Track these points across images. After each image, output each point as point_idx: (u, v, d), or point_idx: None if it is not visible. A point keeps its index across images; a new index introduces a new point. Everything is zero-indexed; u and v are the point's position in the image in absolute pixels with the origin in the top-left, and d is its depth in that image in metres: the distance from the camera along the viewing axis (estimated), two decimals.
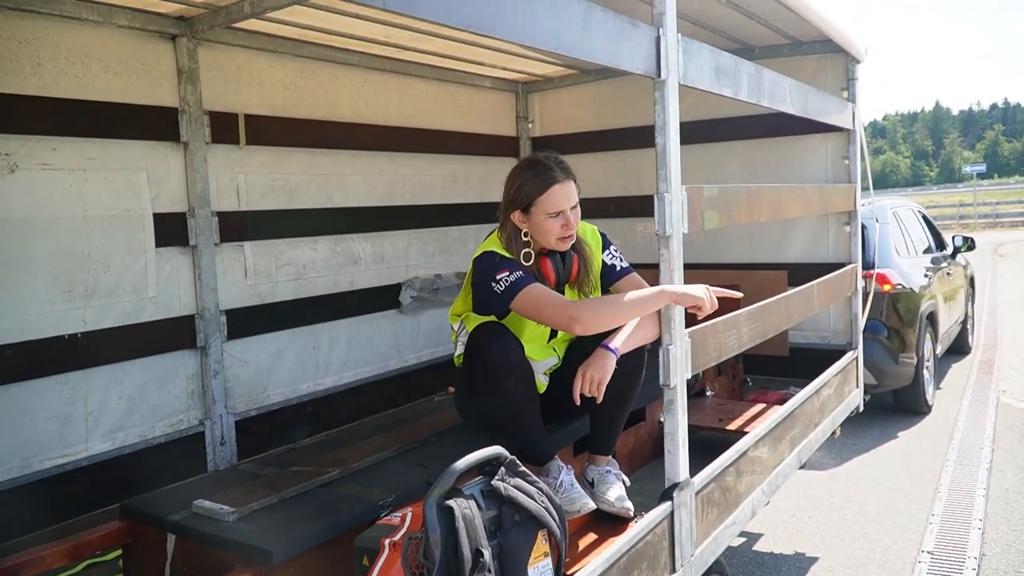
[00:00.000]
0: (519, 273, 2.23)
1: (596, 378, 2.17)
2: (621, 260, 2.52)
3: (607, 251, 2.51)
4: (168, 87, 2.91)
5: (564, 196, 2.27)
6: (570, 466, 2.30)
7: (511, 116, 4.68)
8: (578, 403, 2.19)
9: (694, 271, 4.17)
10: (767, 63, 2.86)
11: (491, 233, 2.45)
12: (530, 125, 4.74)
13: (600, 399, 2.18)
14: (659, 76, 2.05)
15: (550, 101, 4.75)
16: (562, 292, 2.39)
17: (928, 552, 3.76)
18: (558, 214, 2.28)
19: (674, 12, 2.06)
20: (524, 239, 2.34)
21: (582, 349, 2.40)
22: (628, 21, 1.93)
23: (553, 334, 2.47)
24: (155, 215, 2.90)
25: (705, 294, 2.17)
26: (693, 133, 4.12)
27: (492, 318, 2.36)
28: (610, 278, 2.49)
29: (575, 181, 2.34)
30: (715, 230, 4.39)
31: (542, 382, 2.49)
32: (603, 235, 2.55)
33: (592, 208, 4.22)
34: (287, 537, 1.82)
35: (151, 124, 2.86)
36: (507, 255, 2.32)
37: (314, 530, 1.86)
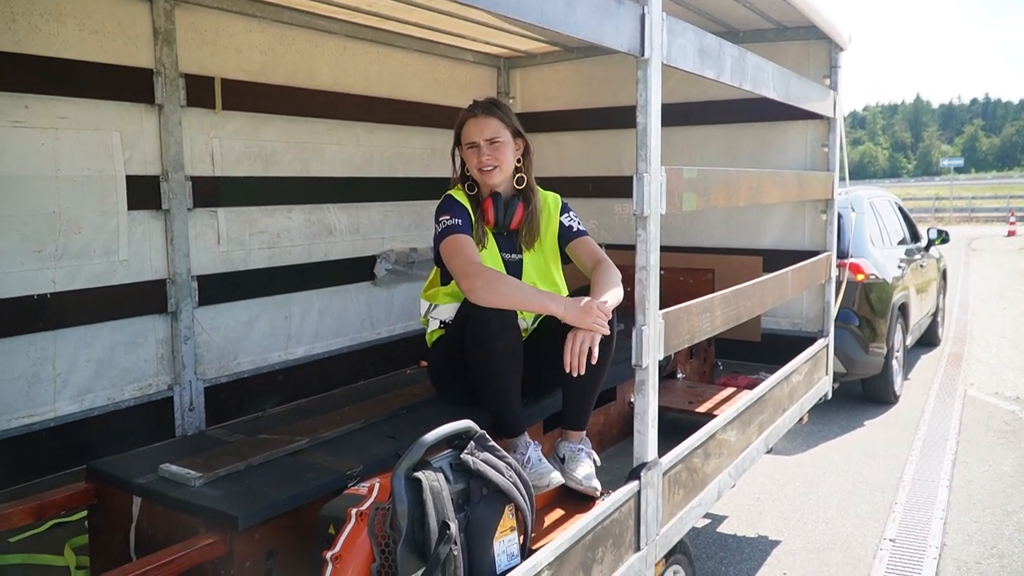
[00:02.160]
0: (457, 221, 2.38)
1: (586, 345, 2.18)
2: (579, 224, 2.61)
3: (565, 215, 2.61)
4: (144, 48, 2.86)
5: (477, 128, 2.43)
6: (538, 442, 2.31)
7: (492, 91, 4.64)
8: (571, 371, 2.18)
9: (671, 253, 4.23)
10: (751, 47, 2.86)
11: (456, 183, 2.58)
12: (511, 101, 4.71)
13: (593, 361, 2.18)
14: (642, 55, 2.03)
15: (532, 77, 4.72)
16: (502, 235, 2.52)
17: (890, 540, 3.83)
18: (473, 145, 2.43)
19: None
20: (466, 173, 2.51)
21: (553, 321, 2.41)
22: None
23: None
24: (128, 177, 2.86)
25: (592, 321, 2.19)
26: (675, 115, 4.12)
27: None
28: (566, 238, 2.59)
29: (502, 121, 2.46)
30: (692, 214, 4.41)
31: None
32: (564, 203, 2.65)
33: (571, 187, 4.24)
34: (253, 504, 1.81)
35: (125, 85, 2.81)
36: (461, 201, 2.46)
37: (280, 498, 1.85)
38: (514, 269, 2.52)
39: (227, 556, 1.76)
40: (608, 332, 2.23)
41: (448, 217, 2.39)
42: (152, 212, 2.95)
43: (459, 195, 2.50)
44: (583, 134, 4.62)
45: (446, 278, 2.50)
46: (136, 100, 2.85)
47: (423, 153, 4.17)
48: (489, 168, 2.43)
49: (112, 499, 2.03)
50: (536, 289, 2.36)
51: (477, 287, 2.21)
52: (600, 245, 2.62)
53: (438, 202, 2.49)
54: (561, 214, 2.60)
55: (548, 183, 4.74)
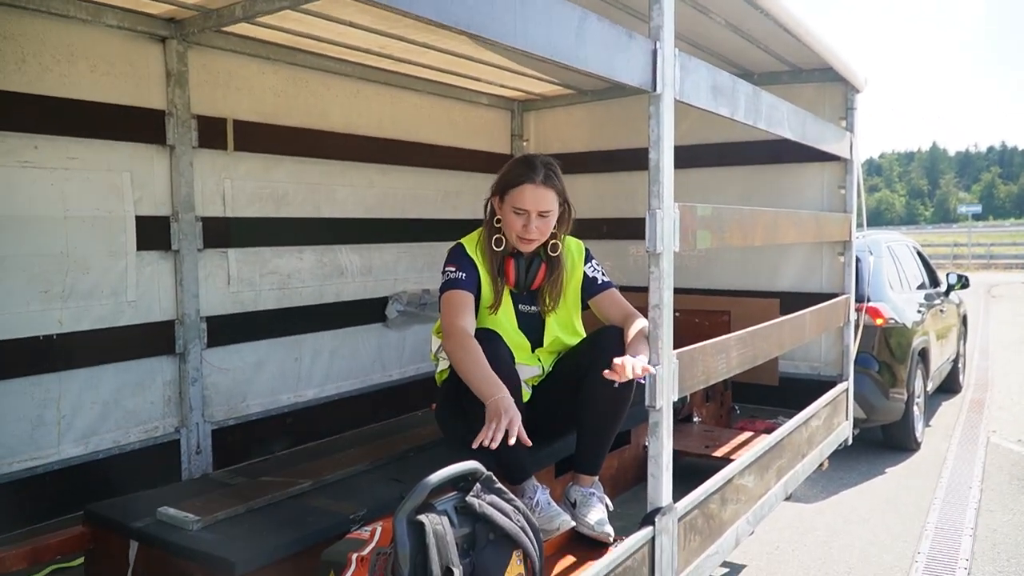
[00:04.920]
0: (461, 275, 2.29)
1: (639, 364, 2.00)
2: (603, 274, 2.50)
3: (589, 264, 2.50)
4: (156, 89, 2.88)
5: (534, 198, 2.27)
6: (546, 486, 2.24)
7: (506, 134, 4.66)
8: (618, 375, 1.98)
9: (686, 295, 4.18)
10: (766, 89, 2.84)
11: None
12: (525, 143, 4.72)
13: (631, 375, 1.98)
14: (654, 90, 2.01)
15: (546, 120, 4.73)
16: (522, 295, 2.42)
17: None
18: (523, 212, 2.29)
19: (672, 25, 2.02)
20: (496, 225, 2.37)
21: (570, 364, 2.39)
22: (624, 32, 1.90)
23: (536, 343, 2.43)
24: (138, 218, 2.85)
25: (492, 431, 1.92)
26: (690, 157, 4.13)
27: (486, 326, 2.32)
28: (590, 291, 2.47)
29: (558, 193, 2.33)
30: (708, 255, 4.37)
31: (525, 390, 2.42)
32: (587, 250, 2.54)
33: (584, 229, 4.16)
34: (251, 548, 1.75)
35: (137, 126, 2.82)
36: (470, 254, 2.36)
37: (280, 542, 1.79)
38: (534, 322, 2.43)
39: None
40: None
41: (454, 269, 2.30)
42: (161, 253, 2.94)
43: (471, 246, 2.39)
44: (597, 176, 4.60)
45: None
46: (147, 141, 2.85)
47: (437, 195, 4.17)
48: (530, 239, 2.31)
49: (109, 543, 1.98)
50: (488, 376, 2.07)
51: (447, 347, 2.19)
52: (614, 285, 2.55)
53: (450, 246, 2.42)
54: (585, 263, 2.48)
55: None
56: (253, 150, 3.22)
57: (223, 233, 3.13)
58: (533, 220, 2.29)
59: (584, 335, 2.52)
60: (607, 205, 4.56)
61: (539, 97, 4.64)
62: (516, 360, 2.34)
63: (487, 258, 2.37)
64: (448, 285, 2.29)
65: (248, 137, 3.18)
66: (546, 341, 2.44)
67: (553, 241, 2.41)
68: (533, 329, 2.43)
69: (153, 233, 2.90)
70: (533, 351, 2.44)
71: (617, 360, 2.01)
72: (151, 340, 2.92)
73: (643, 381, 2.04)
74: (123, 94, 2.78)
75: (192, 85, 2.96)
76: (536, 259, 2.40)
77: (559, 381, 2.40)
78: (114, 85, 2.75)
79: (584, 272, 2.48)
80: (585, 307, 2.52)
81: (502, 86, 4.31)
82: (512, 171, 2.33)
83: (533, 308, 2.45)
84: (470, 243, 2.41)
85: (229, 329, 3.16)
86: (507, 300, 2.41)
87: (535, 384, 2.49)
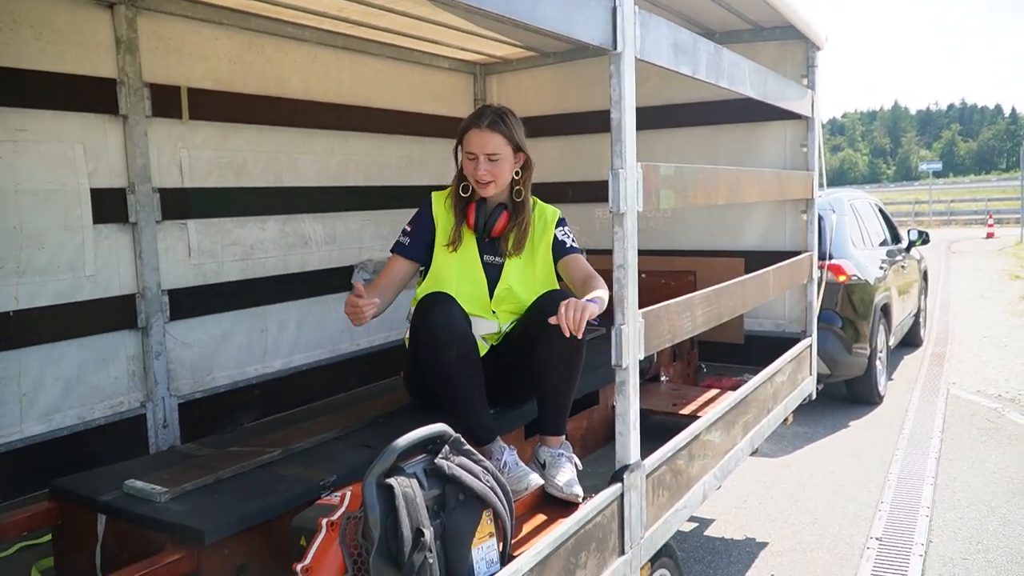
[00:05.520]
0: (405, 240, 2.49)
1: (580, 310, 2.01)
2: (572, 240, 2.54)
3: (560, 228, 2.55)
4: (105, 57, 2.79)
5: (480, 141, 2.39)
6: (513, 447, 2.26)
7: (468, 98, 4.61)
8: (562, 325, 2.00)
9: (652, 257, 4.20)
10: (727, 48, 2.83)
11: None
12: None
13: (580, 333, 2.01)
14: (615, 49, 1.99)
15: (508, 83, 4.69)
16: (485, 243, 2.50)
17: (876, 538, 3.79)
18: (473, 156, 2.41)
19: None
20: (462, 173, 2.49)
21: (524, 327, 2.42)
22: None
23: (492, 294, 2.47)
24: (92, 190, 2.78)
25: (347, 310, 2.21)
26: (653, 118, 4.13)
27: (438, 288, 2.37)
28: (558, 253, 2.52)
29: (506, 138, 2.41)
30: (673, 216, 4.39)
31: (482, 345, 2.46)
32: (562, 218, 2.59)
33: (550, 193, 4.16)
34: (221, 518, 1.74)
35: (87, 95, 2.74)
36: (433, 209, 2.52)
37: (249, 510, 1.79)
38: (493, 272, 2.49)
39: (194, 572, 1.70)
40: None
41: (408, 230, 2.51)
42: (119, 225, 2.88)
43: (440, 198, 2.53)
44: (562, 139, 4.58)
45: (424, 274, 2.52)
46: (99, 111, 2.77)
47: (399, 161, 4.12)
48: (484, 182, 2.42)
49: (76, 518, 1.96)
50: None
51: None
52: (583, 252, 2.58)
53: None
54: (556, 227, 2.54)
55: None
56: (209, 118, 3.15)
57: (182, 204, 3.07)
58: (482, 163, 2.39)
59: None
60: (572, 168, 4.55)
61: (501, 60, 4.59)
62: (472, 313, 2.40)
63: (453, 203, 2.49)
64: (396, 245, 2.51)
65: (204, 105, 3.10)
66: (499, 288, 2.48)
67: (517, 187, 2.49)
68: (493, 280, 2.49)
69: (109, 205, 2.83)
70: (491, 300, 2.47)
71: (561, 308, 2.03)
72: (112, 315, 2.87)
73: (595, 322, 2.09)
74: (71, 62, 2.69)
75: (143, 52, 2.88)
76: (499, 207, 2.48)
77: (517, 345, 2.43)
78: (61, 53, 2.66)
79: (555, 235, 2.52)
80: (560, 278, 2.56)
81: (463, 49, 4.25)
82: (467, 118, 2.47)
83: (497, 259, 2.50)
84: (440, 196, 2.54)
85: (192, 302, 3.12)
86: (470, 244, 2.49)
87: (494, 343, 2.52)
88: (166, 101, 2.97)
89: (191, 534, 1.70)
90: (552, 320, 2.02)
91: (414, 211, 2.55)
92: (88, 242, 2.78)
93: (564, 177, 4.52)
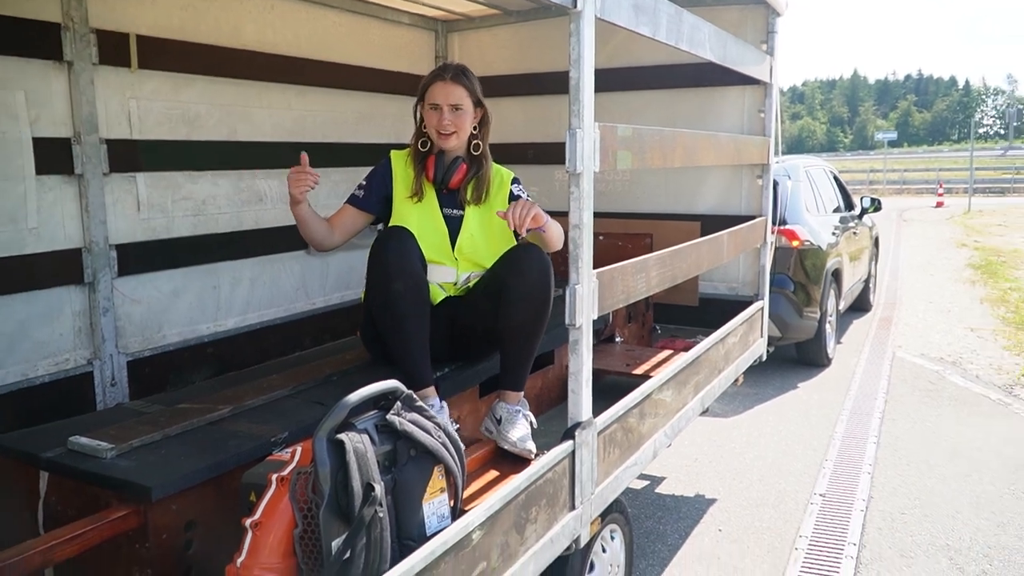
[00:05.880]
0: (360, 192, 2.58)
1: (528, 207, 2.16)
2: (527, 197, 2.59)
3: (516, 185, 2.66)
4: (50, 0, 2.68)
5: (444, 92, 2.49)
6: (444, 403, 2.32)
7: (429, 55, 4.53)
8: (515, 226, 2.15)
9: (610, 219, 4.21)
10: (690, 11, 2.82)
11: None
12: None
13: (523, 230, 2.17)
14: (575, 7, 1.98)
15: (470, 41, 4.62)
16: (444, 196, 2.57)
17: (820, 495, 3.91)
18: (437, 107, 2.49)
19: None
20: (423, 129, 2.57)
21: (489, 282, 2.46)
22: None
23: (453, 244, 2.52)
24: (35, 139, 2.68)
25: (290, 182, 2.39)
26: (614, 80, 4.12)
27: (410, 216, 2.48)
28: None
29: (468, 91, 2.52)
30: (631, 180, 4.40)
31: (438, 291, 2.51)
32: (516, 178, 2.69)
33: (511, 153, 4.17)
34: (168, 473, 1.73)
35: (28, 40, 2.63)
36: (391, 166, 2.58)
37: (198, 466, 1.77)
38: (455, 224, 2.55)
39: (141, 528, 1.68)
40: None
41: (364, 184, 2.59)
42: (64, 177, 2.79)
43: (399, 156, 2.60)
44: (523, 100, 4.55)
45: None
46: (42, 57, 2.67)
47: (357, 118, 4.05)
48: (447, 132, 2.50)
49: (17, 476, 1.92)
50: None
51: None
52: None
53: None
54: (512, 184, 2.64)
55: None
56: (160, 68, 3.04)
57: (131, 156, 2.98)
58: (446, 114, 2.48)
59: None
60: (533, 129, 4.52)
61: (463, 17, 4.52)
62: (430, 260, 2.46)
63: (413, 158, 2.57)
64: (348, 199, 2.60)
65: (154, 54, 3.00)
66: (462, 236, 2.53)
67: (475, 142, 2.59)
68: (455, 231, 2.55)
69: (54, 156, 2.74)
70: (453, 249, 2.52)
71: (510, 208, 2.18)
72: (57, 269, 2.79)
73: (542, 231, 2.30)
74: (11, 4, 2.57)
75: None
76: (456, 159, 2.55)
77: (479, 300, 2.45)
78: None
79: (511, 191, 2.62)
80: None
81: (425, 4, 4.17)
82: (428, 75, 2.56)
83: (457, 212, 2.56)
84: (399, 154, 2.61)
85: (141, 257, 3.04)
86: (431, 196, 2.56)
87: (452, 294, 2.54)
88: (114, 48, 2.86)
89: (138, 490, 1.68)
90: (499, 214, 2.22)
91: (370, 169, 2.60)
92: (31, 193, 2.69)
93: (525, 138, 4.50)
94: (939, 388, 5.69)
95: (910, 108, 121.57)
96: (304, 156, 2.35)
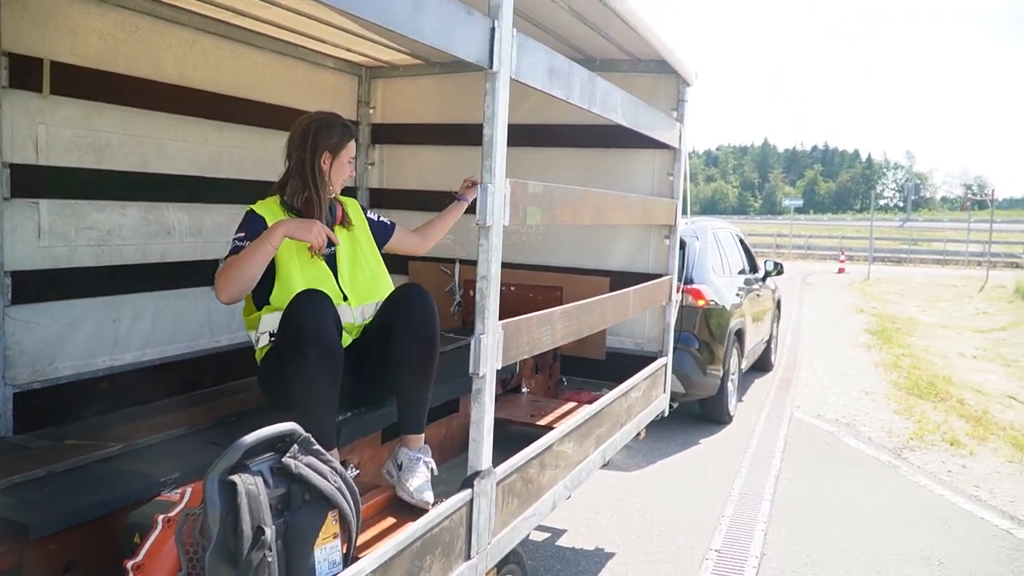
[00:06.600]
0: (242, 242, 2.38)
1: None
2: (386, 218, 2.95)
3: (368, 211, 2.88)
4: None
5: (352, 149, 2.68)
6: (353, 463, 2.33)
7: (352, 99, 4.58)
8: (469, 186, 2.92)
9: (522, 271, 4.30)
10: (606, 76, 2.96)
11: (271, 194, 2.63)
12: (371, 111, 4.67)
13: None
14: (491, 67, 2.06)
15: (393, 89, 4.70)
16: (332, 229, 2.59)
17: (716, 550, 4.01)
18: (351, 160, 2.67)
19: (511, 5, 2.08)
20: (327, 180, 2.60)
21: (378, 325, 2.51)
22: (463, 8, 1.93)
23: (337, 278, 2.56)
24: None
25: (316, 235, 2.36)
26: (530, 136, 4.24)
27: (291, 290, 2.37)
28: (386, 234, 2.92)
29: None
30: (545, 234, 4.51)
31: (346, 336, 2.49)
32: (362, 205, 2.91)
33: (429, 201, 4.22)
34: (49, 511, 1.67)
35: None
36: (262, 215, 2.48)
37: (82, 505, 1.72)
38: (331, 260, 2.59)
39: (16, 568, 1.61)
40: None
41: (243, 235, 2.40)
42: None
43: (267, 208, 2.55)
44: (443, 149, 4.62)
45: (259, 301, 2.48)
46: None
47: (276, 157, 4.00)
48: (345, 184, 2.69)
49: None
50: (256, 240, 2.32)
51: (218, 289, 2.27)
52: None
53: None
54: (366, 213, 2.85)
55: (407, 196, 4.73)
56: (73, 95, 2.99)
57: (35, 182, 2.90)
58: (349, 168, 2.68)
59: (387, 276, 2.73)
60: (453, 178, 4.51)
61: (387, 65, 4.59)
62: (323, 287, 2.43)
63: (300, 206, 2.55)
64: (232, 252, 2.38)
65: (68, 81, 2.95)
66: (341, 268, 2.58)
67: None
68: (334, 267, 2.59)
69: None
70: (339, 286, 2.55)
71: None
72: None
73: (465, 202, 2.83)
74: None
75: (4, 20, 2.71)
76: (334, 202, 2.66)
77: (372, 344, 2.49)
78: None
79: (369, 219, 2.84)
80: (383, 252, 2.82)
81: (349, 50, 4.23)
82: (336, 130, 2.63)
83: (329, 249, 2.53)
84: (264, 204, 2.56)
85: (38, 285, 2.94)
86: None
87: (356, 336, 2.55)
88: (26, 72, 2.80)
89: (15, 528, 1.61)
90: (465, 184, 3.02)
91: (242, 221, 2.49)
92: None
93: (444, 186, 4.52)
94: (833, 448, 5.94)
95: (817, 177, 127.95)
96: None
